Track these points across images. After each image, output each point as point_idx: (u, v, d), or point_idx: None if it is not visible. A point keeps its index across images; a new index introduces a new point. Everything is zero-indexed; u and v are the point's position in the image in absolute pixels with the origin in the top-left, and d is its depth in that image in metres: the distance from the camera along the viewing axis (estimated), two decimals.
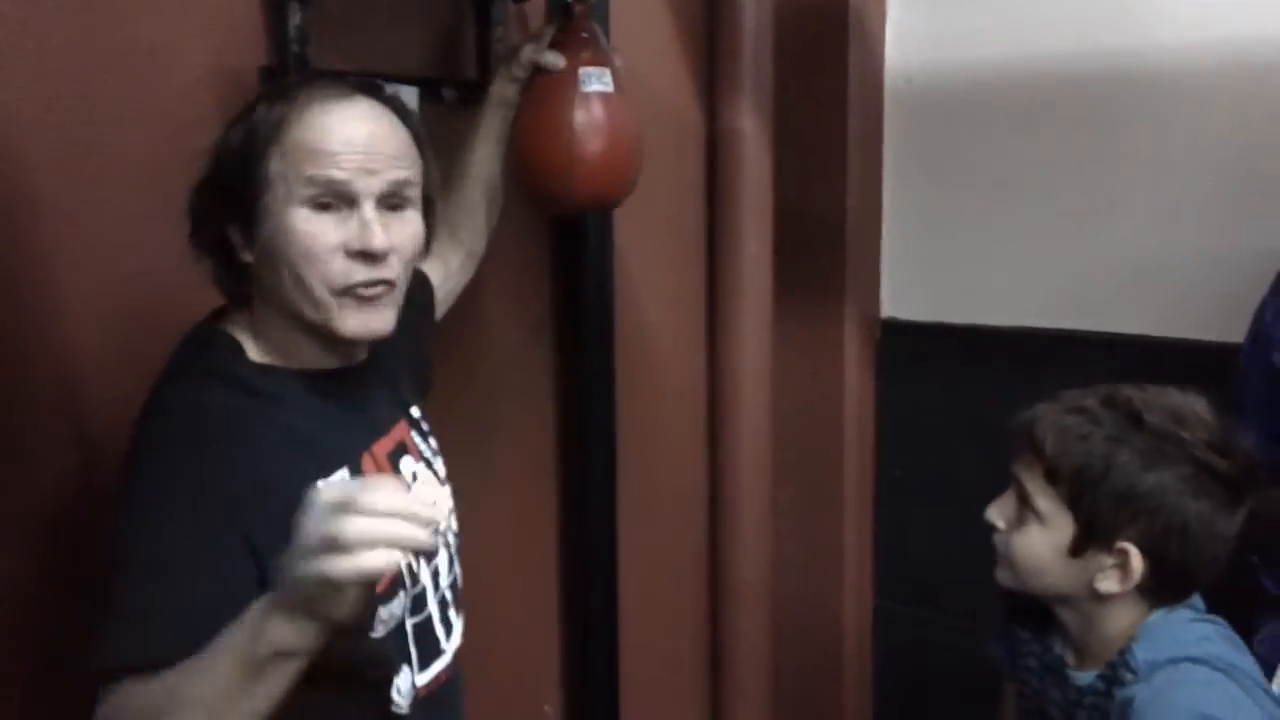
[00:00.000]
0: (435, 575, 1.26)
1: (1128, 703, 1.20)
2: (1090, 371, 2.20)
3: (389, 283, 1.14)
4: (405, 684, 1.19)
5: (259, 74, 1.45)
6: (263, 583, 1.02)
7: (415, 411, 1.34)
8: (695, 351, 2.36)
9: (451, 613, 1.29)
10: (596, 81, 1.58)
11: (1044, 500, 1.28)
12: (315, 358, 1.17)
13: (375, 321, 1.14)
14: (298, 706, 1.05)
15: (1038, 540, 1.29)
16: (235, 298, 1.18)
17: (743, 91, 2.25)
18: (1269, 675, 1.60)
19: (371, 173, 1.11)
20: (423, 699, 1.21)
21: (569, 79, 1.57)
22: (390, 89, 1.48)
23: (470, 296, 1.74)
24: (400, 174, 1.14)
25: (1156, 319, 2.13)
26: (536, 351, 2.00)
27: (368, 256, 1.11)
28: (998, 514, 1.35)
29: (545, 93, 1.58)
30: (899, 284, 2.49)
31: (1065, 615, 1.33)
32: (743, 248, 2.29)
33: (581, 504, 2.05)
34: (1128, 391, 1.30)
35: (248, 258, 1.14)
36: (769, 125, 2.28)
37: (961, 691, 2.41)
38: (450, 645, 1.28)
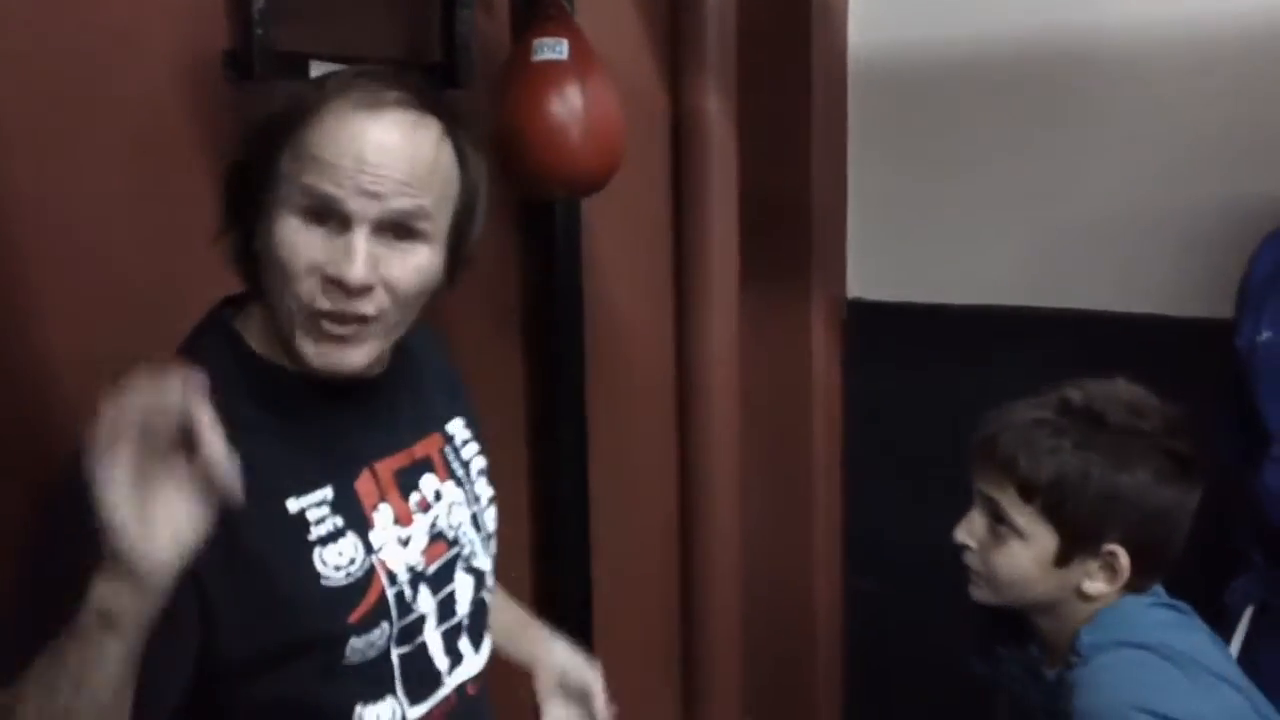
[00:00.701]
0: (448, 602, 1.16)
1: (1071, 685, 1.22)
2: (1055, 348, 2.24)
3: (363, 318, 1.02)
4: (384, 715, 1.09)
5: (222, 57, 1.43)
6: (206, 618, 0.97)
7: (454, 428, 1.23)
8: (663, 333, 2.36)
9: (463, 641, 1.18)
10: (549, 51, 1.61)
11: (1020, 516, 1.28)
12: (315, 365, 1.05)
13: (338, 356, 1.03)
14: None
15: (1019, 555, 1.29)
16: (249, 286, 1.09)
17: (706, 73, 2.24)
18: (1235, 623, 1.65)
19: (371, 195, 0.99)
20: None
21: (524, 51, 1.63)
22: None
23: None
24: (408, 203, 1.01)
25: (1122, 294, 2.15)
26: (506, 336, 1.99)
27: (341, 286, 0.99)
28: (967, 534, 1.34)
29: (506, 69, 1.66)
30: (865, 264, 2.50)
31: (1042, 621, 1.33)
32: (709, 229, 2.29)
33: (553, 487, 2.05)
34: (1077, 393, 1.30)
35: (257, 244, 1.04)
36: (733, 106, 2.28)
37: (930, 668, 2.44)
38: (456, 676, 1.17)
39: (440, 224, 1.06)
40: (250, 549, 0.98)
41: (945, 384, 2.33)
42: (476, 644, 1.21)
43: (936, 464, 2.43)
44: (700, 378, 2.36)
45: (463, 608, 1.17)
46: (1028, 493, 1.27)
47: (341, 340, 1.02)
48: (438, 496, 1.16)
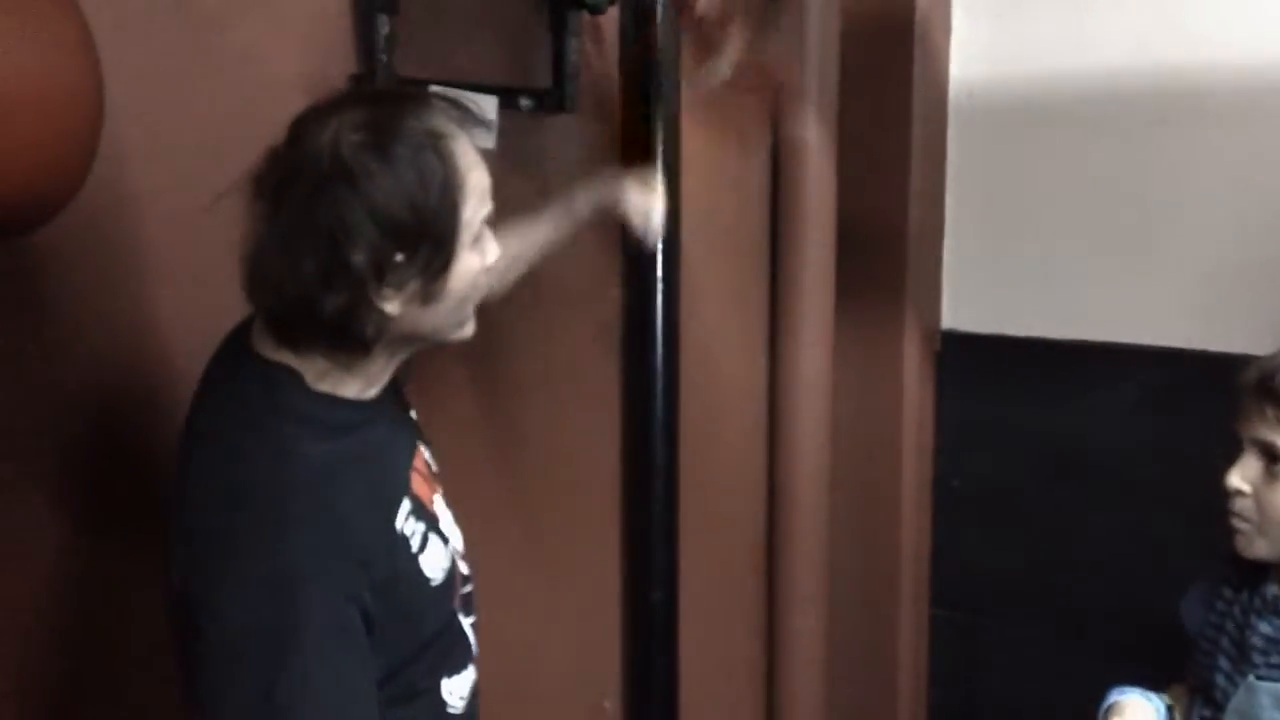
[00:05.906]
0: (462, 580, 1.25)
1: None
2: (1151, 385, 2.22)
3: None
4: (465, 683, 1.20)
5: (349, 82, 1.51)
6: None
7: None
8: (756, 358, 2.39)
9: (471, 618, 1.27)
10: None
11: None
12: (367, 387, 1.13)
13: (473, 325, 1.19)
14: None
15: None
16: (342, 342, 1.07)
17: (807, 102, 2.27)
18: None
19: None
20: (469, 698, 1.22)
21: None
22: (470, 97, 1.54)
23: (541, 299, 1.79)
24: None
25: (1221, 334, 2.12)
26: (603, 354, 2.04)
27: (490, 270, 1.15)
28: (1241, 479, 1.33)
29: None
30: (960, 295, 2.49)
31: None
32: (805, 257, 2.32)
33: (644, 504, 2.08)
34: None
35: (391, 308, 1.05)
36: (832, 136, 2.30)
37: (1017, 700, 2.42)
38: (475, 644, 1.26)
39: None
40: (383, 574, 1.08)
41: (1037, 418, 2.32)
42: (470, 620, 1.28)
43: (1027, 497, 2.43)
44: (791, 404, 2.38)
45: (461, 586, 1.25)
46: None
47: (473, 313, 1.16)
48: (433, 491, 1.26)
